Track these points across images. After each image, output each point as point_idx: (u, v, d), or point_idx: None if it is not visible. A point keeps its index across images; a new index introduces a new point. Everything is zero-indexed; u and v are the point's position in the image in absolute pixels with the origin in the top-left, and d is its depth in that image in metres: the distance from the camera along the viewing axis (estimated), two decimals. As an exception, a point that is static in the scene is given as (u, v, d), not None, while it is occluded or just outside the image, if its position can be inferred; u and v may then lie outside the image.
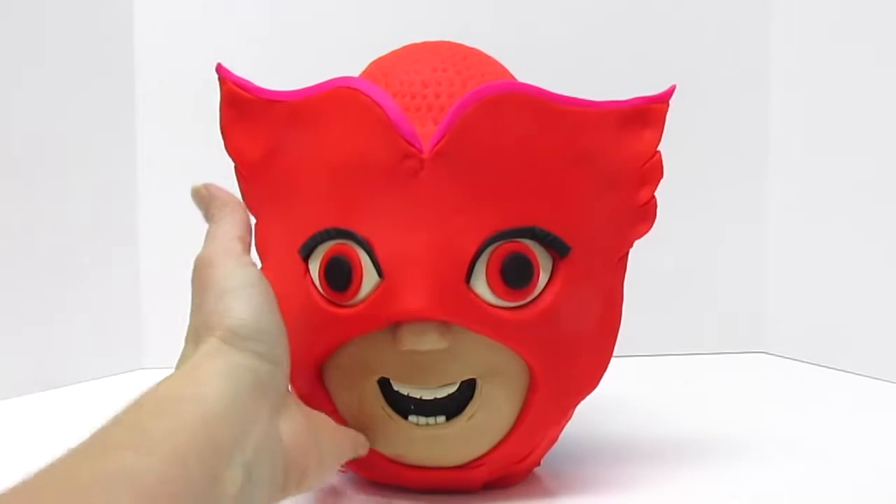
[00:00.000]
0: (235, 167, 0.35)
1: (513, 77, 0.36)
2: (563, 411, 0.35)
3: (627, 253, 0.35)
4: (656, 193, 0.34)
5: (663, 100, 0.34)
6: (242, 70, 0.35)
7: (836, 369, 0.62)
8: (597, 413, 0.46)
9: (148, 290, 0.66)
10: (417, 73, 0.34)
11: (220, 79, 0.35)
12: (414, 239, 0.31)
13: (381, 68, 0.35)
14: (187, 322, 0.28)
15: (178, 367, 0.27)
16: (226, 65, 0.35)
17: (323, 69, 0.38)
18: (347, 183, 0.32)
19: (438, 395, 0.32)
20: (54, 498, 0.20)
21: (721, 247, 0.71)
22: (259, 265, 0.36)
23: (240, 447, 0.24)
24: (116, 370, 0.64)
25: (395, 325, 0.31)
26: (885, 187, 0.59)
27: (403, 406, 0.32)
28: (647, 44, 0.69)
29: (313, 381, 0.34)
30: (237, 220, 0.30)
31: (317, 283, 0.32)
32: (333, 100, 0.32)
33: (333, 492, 0.36)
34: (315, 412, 0.31)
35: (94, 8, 0.63)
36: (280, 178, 0.34)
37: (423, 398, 0.32)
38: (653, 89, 0.35)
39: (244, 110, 0.34)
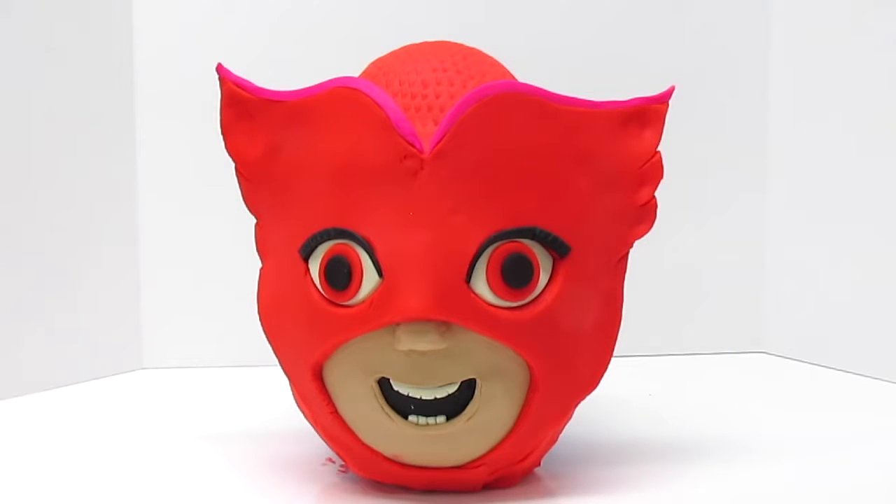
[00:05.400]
0: (235, 167, 0.35)
1: (513, 77, 0.36)
2: (564, 411, 0.35)
3: (627, 253, 0.35)
4: (656, 194, 0.35)
5: (663, 100, 0.34)
6: (242, 70, 0.35)
7: (836, 369, 0.62)
8: (597, 413, 0.46)
9: (148, 290, 0.66)
10: (417, 73, 0.34)
11: (220, 79, 0.35)
12: (414, 239, 0.31)
13: (381, 68, 0.35)
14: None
15: None
16: (226, 65, 0.35)
17: (323, 69, 0.38)
18: (347, 183, 0.32)
19: (438, 395, 0.32)
20: None
21: (721, 247, 0.71)
22: (259, 265, 0.36)
23: None
24: (116, 370, 0.64)
25: (395, 325, 0.31)
26: (886, 187, 0.59)
27: (403, 406, 0.32)
28: (646, 44, 0.69)
29: (313, 381, 0.34)
30: None
31: (317, 283, 0.32)
32: (333, 100, 0.32)
33: (333, 492, 0.36)
34: None
35: (94, 8, 0.63)
36: (280, 178, 0.34)
37: (423, 398, 0.32)
38: (653, 90, 0.35)
39: (244, 110, 0.34)
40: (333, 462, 0.39)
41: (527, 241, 0.32)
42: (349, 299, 0.32)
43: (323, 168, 0.32)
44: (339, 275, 0.32)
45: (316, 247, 0.33)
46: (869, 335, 0.60)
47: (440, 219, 0.31)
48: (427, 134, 0.32)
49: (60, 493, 0.36)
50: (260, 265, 0.36)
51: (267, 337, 0.35)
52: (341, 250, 0.32)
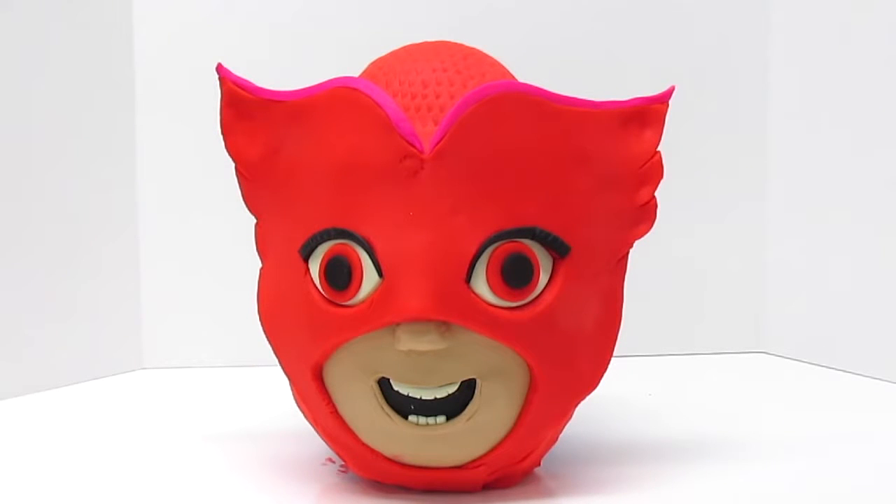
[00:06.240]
0: (235, 167, 0.35)
1: (513, 77, 0.36)
2: (564, 411, 0.35)
3: (627, 253, 0.35)
4: (656, 194, 0.35)
5: (663, 100, 0.34)
6: (242, 70, 0.35)
7: (836, 369, 0.62)
8: (597, 413, 0.46)
9: (148, 290, 0.66)
10: (417, 73, 0.34)
11: (220, 79, 0.35)
12: (414, 239, 0.31)
13: (381, 68, 0.35)
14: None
15: None
16: (226, 65, 0.35)
17: (323, 69, 0.38)
18: (347, 183, 0.32)
19: (438, 395, 0.32)
20: None
21: (721, 247, 0.71)
22: (259, 265, 0.36)
23: None
24: (116, 370, 0.64)
25: (395, 325, 0.31)
26: (886, 187, 0.59)
27: (403, 406, 0.32)
28: (646, 44, 0.69)
29: (313, 381, 0.34)
30: None
31: (317, 283, 0.32)
32: (333, 100, 0.32)
33: (333, 492, 0.36)
34: None
35: (94, 7, 0.63)
36: (280, 178, 0.34)
37: (423, 398, 0.32)
38: (653, 90, 0.35)
39: (244, 110, 0.34)
40: (333, 462, 0.39)
41: (527, 241, 0.32)
42: (349, 299, 0.32)
43: (323, 168, 0.32)
44: (340, 275, 0.32)
45: (316, 247, 0.33)
46: (869, 335, 0.60)
47: (440, 219, 0.31)
48: (427, 134, 0.32)
49: (61, 493, 0.36)
50: (260, 265, 0.36)
51: (267, 337, 0.35)
52: (341, 250, 0.32)
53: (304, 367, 0.33)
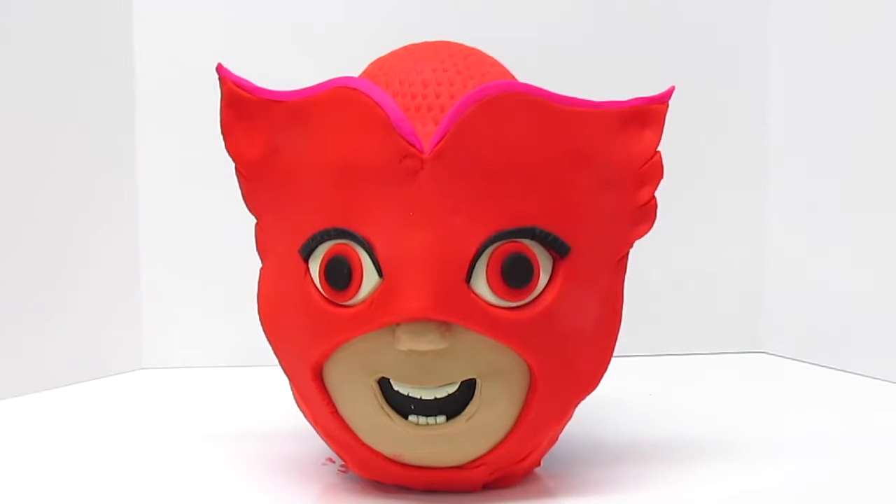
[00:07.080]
0: (235, 167, 0.35)
1: (513, 77, 0.36)
2: (564, 411, 0.35)
3: (627, 253, 0.35)
4: (656, 194, 0.35)
5: (663, 100, 0.34)
6: (242, 70, 0.35)
7: (836, 369, 0.62)
8: (597, 413, 0.46)
9: (148, 290, 0.66)
10: (417, 73, 0.34)
11: (220, 79, 0.35)
12: (414, 239, 0.31)
13: (381, 68, 0.35)
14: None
15: None
16: (226, 65, 0.35)
17: (323, 69, 0.38)
18: (347, 183, 0.32)
19: (438, 395, 0.32)
20: None
21: (721, 247, 0.71)
22: (260, 265, 0.36)
23: None
24: (116, 370, 0.64)
25: (395, 325, 0.31)
26: (886, 187, 0.59)
27: (403, 406, 0.32)
28: (646, 44, 0.69)
29: (313, 381, 0.34)
30: None
31: (317, 283, 0.32)
32: (333, 100, 0.32)
33: (333, 492, 0.36)
34: None
35: (94, 7, 0.63)
36: (280, 178, 0.34)
37: (423, 398, 0.32)
38: (653, 90, 0.35)
39: (244, 110, 0.34)
40: (333, 462, 0.39)
41: (527, 241, 0.32)
42: (349, 299, 0.32)
43: (323, 168, 0.32)
44: (340, 275, 0.32)
45: (316, 247, 0.33)
46: (869, 335, 0.60)
47: (440, 219, 0.31)
48: (427, 134, 0.32)
49: (61, 493, 0.36)
50: (260, 265, 0.36)
51: (267, 337, 0.35)
52: (341, 250, 0.32)
53: (304, 367, 0.33)
